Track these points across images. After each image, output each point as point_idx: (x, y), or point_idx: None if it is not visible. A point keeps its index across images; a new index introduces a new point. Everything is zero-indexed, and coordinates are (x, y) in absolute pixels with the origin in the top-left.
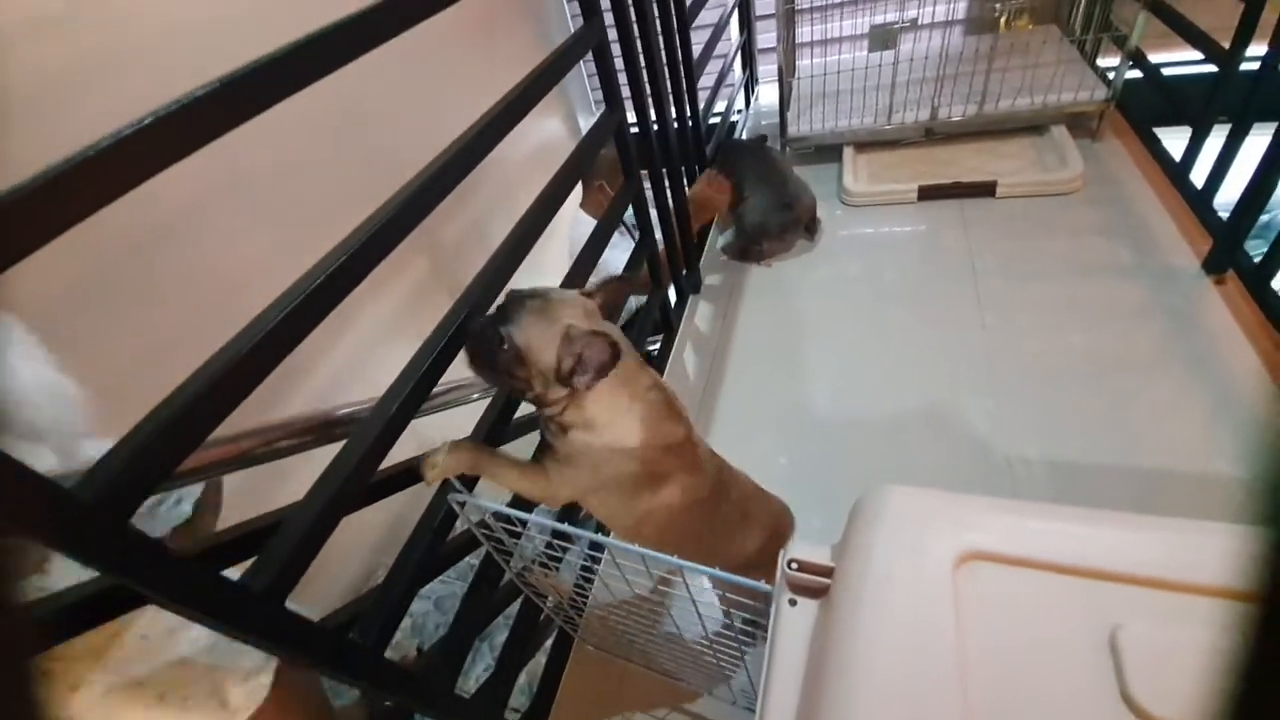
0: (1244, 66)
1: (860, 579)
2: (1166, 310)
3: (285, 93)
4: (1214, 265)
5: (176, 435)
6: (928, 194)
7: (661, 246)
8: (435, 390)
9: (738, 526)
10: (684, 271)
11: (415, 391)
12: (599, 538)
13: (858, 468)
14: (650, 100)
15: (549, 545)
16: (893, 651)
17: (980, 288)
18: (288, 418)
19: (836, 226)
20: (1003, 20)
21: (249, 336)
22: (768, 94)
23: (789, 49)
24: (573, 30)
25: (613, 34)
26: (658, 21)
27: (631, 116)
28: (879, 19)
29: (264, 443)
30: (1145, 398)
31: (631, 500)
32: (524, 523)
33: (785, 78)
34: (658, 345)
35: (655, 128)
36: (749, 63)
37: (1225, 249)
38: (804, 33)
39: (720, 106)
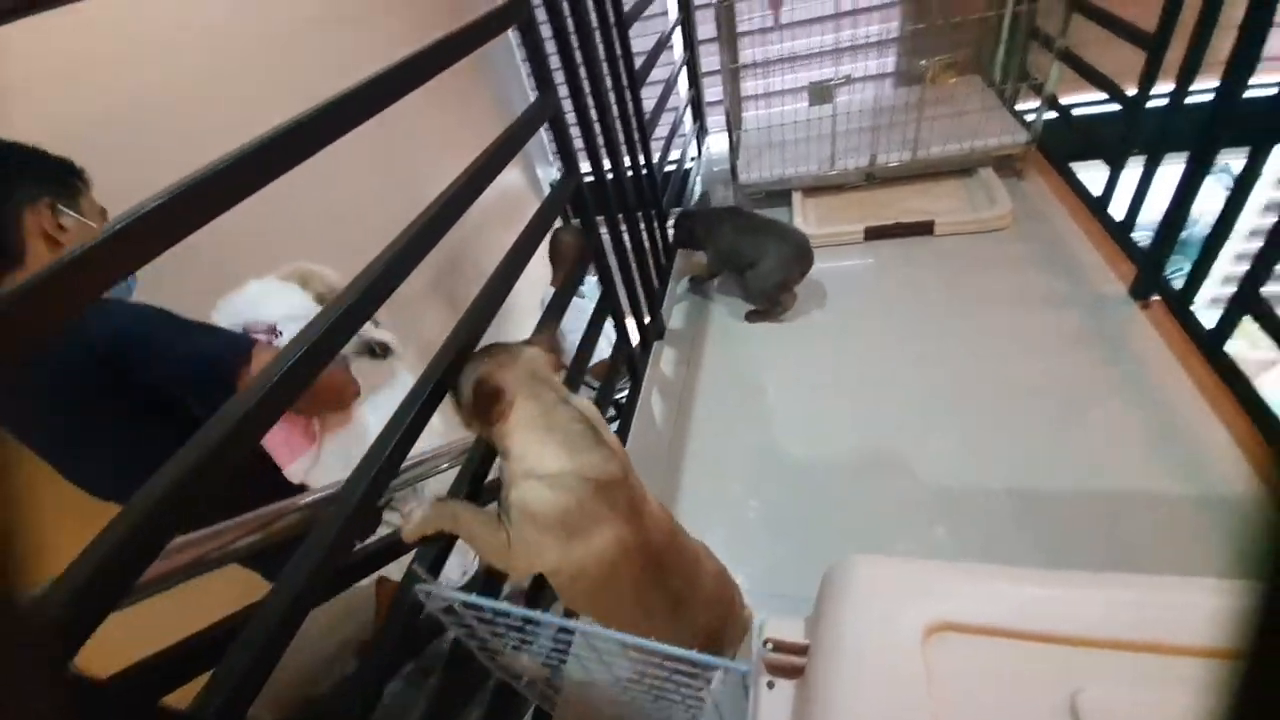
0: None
1: (833, 657)
2: (1100, 336)
3: (272, 176)
4: (1139, 291)
5: (125, 561)
6: (873, 234)
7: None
8: (408, 463)
9: (683, 607)
10: (647, 319)
11: (391, 459)
12: (567, 622)
13: (826, 509)
14: (605, 154)
15: (520, 629)
16: None
17: (926, 324)
18: (252, 514)
19: None
20: (929, 75)
21: (213, 432)
22: (720, 142)
23: (735, 103)
24: (531, 98)
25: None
26: (608, 80)
27: (588, 165)
28: (817, 74)
29: (221, 546)
30: (1088, 421)
31: (565, 546)
32: (494, 610)
33: (733, 130)
34: (625, 394)
35: (611, 178)
36: (699, 115)
37: (1148, 276)
38: (749, 86)
39: (675, 154)
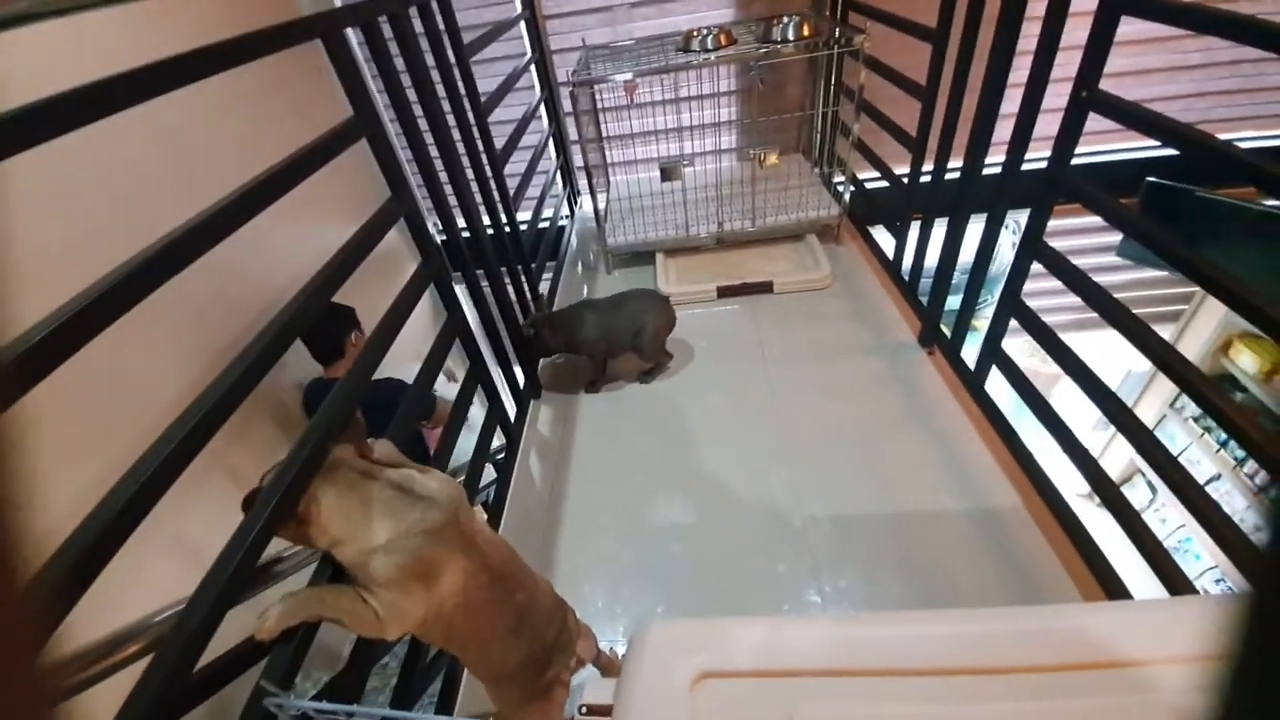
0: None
1: (626, 713)
2: (899, 379)
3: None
4: (925, 341)
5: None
6: (724, 292)
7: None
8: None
9: (528, 618)
10: (522, 378)
11: (236, 573)
12: (418, 718)
13: (689, 556)
14: (466, 217)
15: None
16: None
17: (770, 372)
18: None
19: None
20: (756, 160)
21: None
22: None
23: (600, 172)
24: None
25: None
26: (465, 161)
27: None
28: (674, 147)
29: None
30: (892, 452)
31: (426, 594)
32: (350, 714)
33: (595, 196)
34: (503, 455)
35: (468, 238)
36: (569, 179)
37: (929, 329)
38: (613, 155)
39: (549, 212)
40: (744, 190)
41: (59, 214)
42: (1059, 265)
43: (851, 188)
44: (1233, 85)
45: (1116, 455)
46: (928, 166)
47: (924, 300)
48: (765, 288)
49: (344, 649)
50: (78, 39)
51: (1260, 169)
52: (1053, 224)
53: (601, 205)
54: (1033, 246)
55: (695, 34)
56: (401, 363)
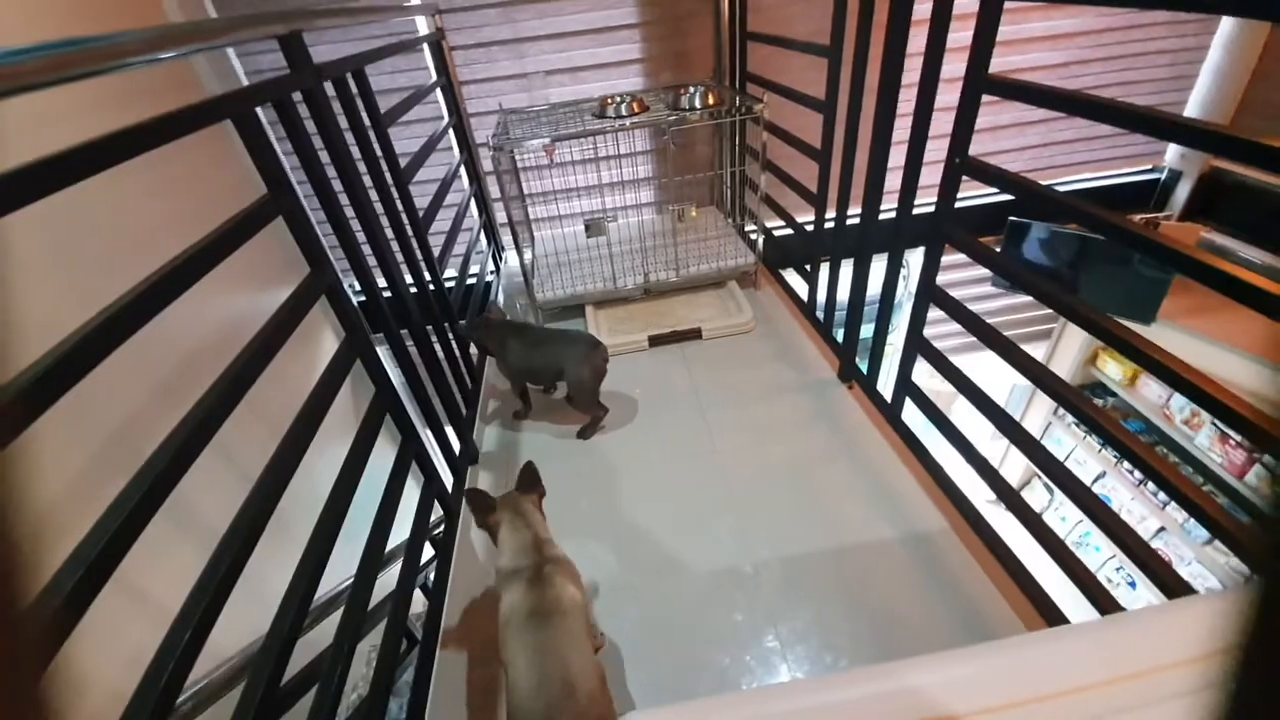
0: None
1: None
2: (824, 415)
3: None
4: (844, 376)
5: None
6: (656, 341)
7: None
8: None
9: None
10: (458, 445)
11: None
12: None
13: (642, 615)
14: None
15: None
16: None
17: (707, 417)
18: None
19: None
20: (675, 216)
21: None
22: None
23: (524, 228)
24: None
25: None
26: (385, 222)
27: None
28: (598, 202)
29: None
30: (827, 487)
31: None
32: None
33: (521, 251)
34: (441, 530)
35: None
36: (492, 236)
37: (846, 365)
38: (537, 211)
39: (476, 268)
40: (666, 242)
41: None
42: (949, 304)
43: (763, 236)
44: (1071, 135)
45: (1015, 463)
46: (831, 213)
47: (839, 337)
48: (694, 334)
49: None
50: None
51: (1075, 208)
52: (955, 258)
53: (528, 259)
54: (927, 291)
55: (610, 101)
56: (328, 446)
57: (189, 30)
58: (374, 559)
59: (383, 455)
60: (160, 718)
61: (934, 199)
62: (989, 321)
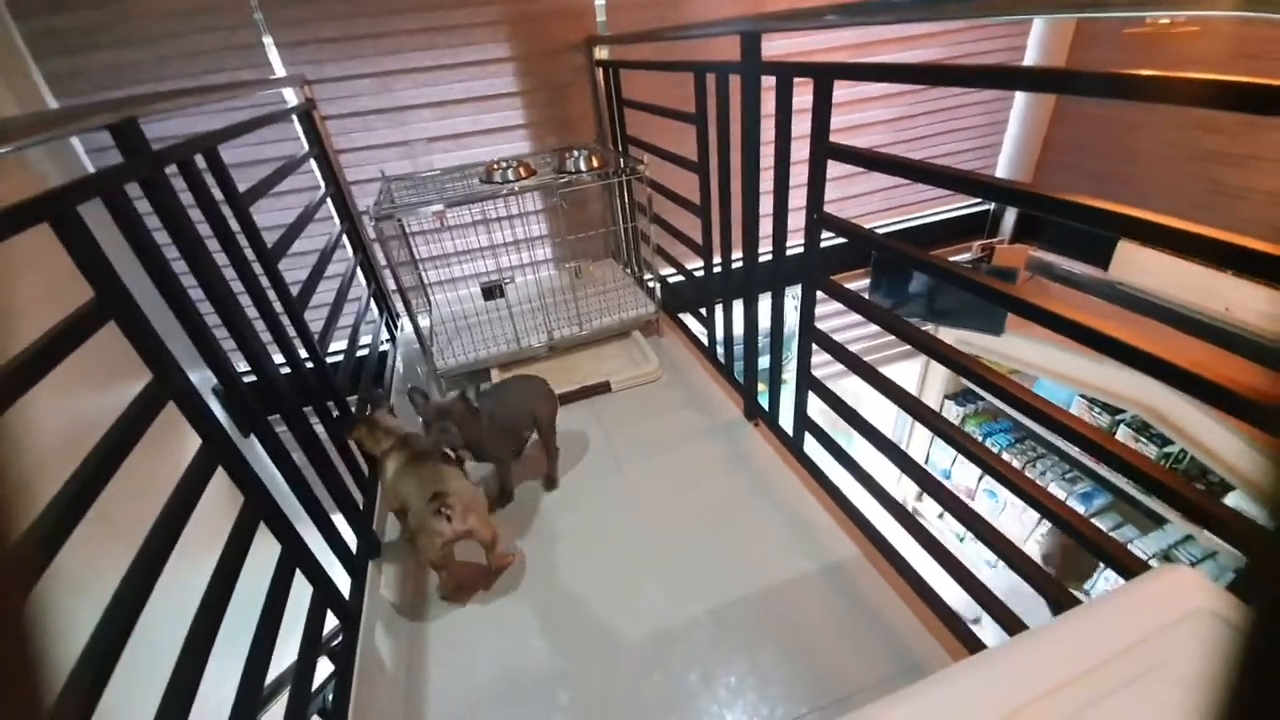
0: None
1: None
2: (736, 455)
3: None
4: (749, 414)
5: None
6: (565, 399)
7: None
8: None
9: None
10: (354, 542)
11: None
12: None
13: (576, 694)
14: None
15: None
16: None
17: (624, 472)
18: None
19: None
20: (572, 273)
21: None
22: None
23: (418, 294)
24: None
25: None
26: (249, 299)
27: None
28: (487, 264)
29: None
30: (745, 528)
31: None
32: None
33: (415, 318)
34: (339, 640)
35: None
36: (384, 304)
37: (749, 403)
38: (432, 275)
39: (367, 338)
40: (567, 298)
41: None
42: (827, 344)
43: (660, 284)
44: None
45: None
46: (718, 259)
47: (740, 378)
48: (604, 388)
49: None
50: None
51: (904, 253)
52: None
53: (425, 325)
54: (808, 331)
55: (496, 166)
56: (203, 560)
57: (6, 127)
58: (254, 681)
59: (270, 557)
60: None
61: (804, 242)
62: (882, 339)
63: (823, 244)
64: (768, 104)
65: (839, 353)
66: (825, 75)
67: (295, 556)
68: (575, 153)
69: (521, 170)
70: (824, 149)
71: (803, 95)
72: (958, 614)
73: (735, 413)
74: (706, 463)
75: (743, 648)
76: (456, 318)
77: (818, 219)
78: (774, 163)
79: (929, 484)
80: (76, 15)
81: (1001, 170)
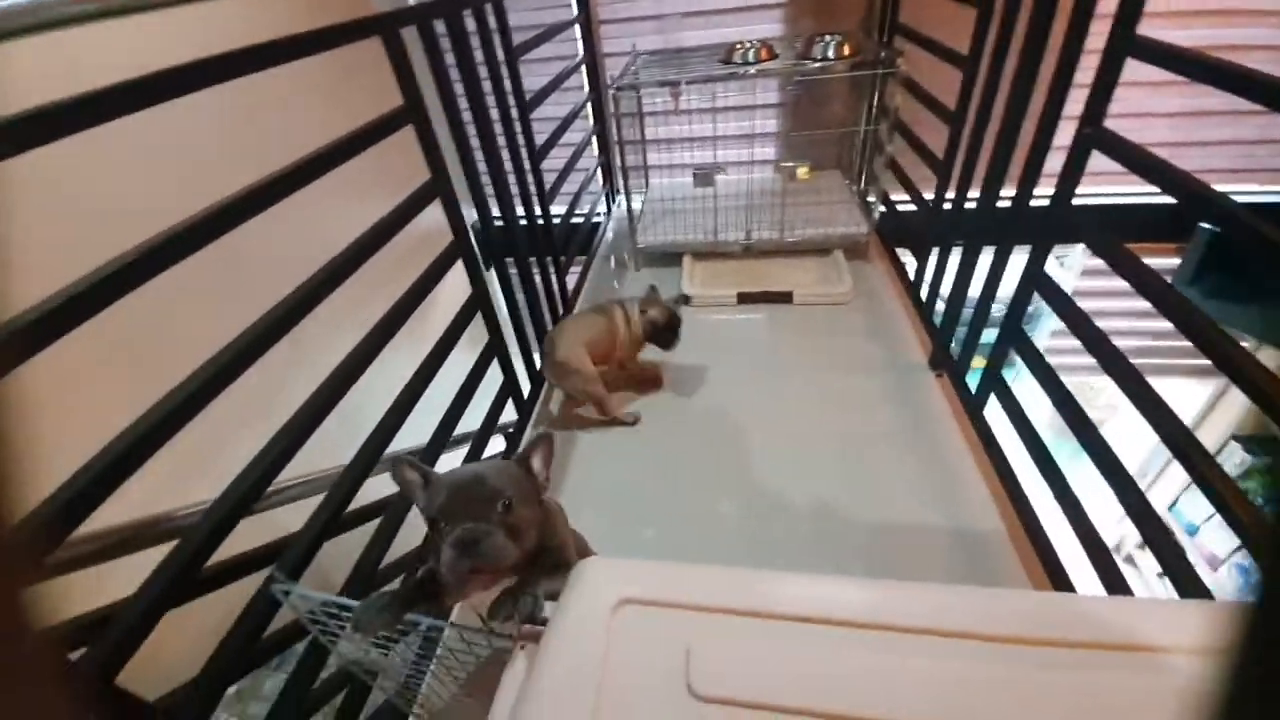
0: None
1: (554, 622)
2: (905, 398)
3: None
4: (934, 364)
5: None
6: (744, 299)
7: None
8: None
9: None
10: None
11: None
12: (436, 622)
13: (705, 537)
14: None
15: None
16: (558, 668)
17: (783, 379)
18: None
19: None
20: (787, 175)
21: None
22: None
23: (638, 173)
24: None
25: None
26: (506, 154)
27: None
28: (706, 155)
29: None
30: (887, 464)
31: None
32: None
33: (630, 197)
34: (513, 429)
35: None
36: (609, 177)
37: (939, 353)
38: (653, 158)
39: (586, 207)
40: (775, 201)
41: (135, 183)
42: (1057, 300)
43: (882, 207)
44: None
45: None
46: (951, 194)
47: (937, 322)
48: (785, 297)
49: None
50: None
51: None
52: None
53: (637, 205)
54: (1032, 279)
55: (738, 46)
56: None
57: None
58: (447, 428)
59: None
60: (254, 498)
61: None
62: (1161, 342)
63: (1111, 199)
64: None
65: (1072, 317)
66: None
67: (496, 347)
68: (826, 38)
69: (764, 53)
70: (1125, 40)
71: None
72: None
73: (919, 358)
74: (870, 395)
75: (831, 559)
76: (665, 200)
77: (1091, 134)
78: (1053, 73)
79: (1163, 543)
80: None
81: None
